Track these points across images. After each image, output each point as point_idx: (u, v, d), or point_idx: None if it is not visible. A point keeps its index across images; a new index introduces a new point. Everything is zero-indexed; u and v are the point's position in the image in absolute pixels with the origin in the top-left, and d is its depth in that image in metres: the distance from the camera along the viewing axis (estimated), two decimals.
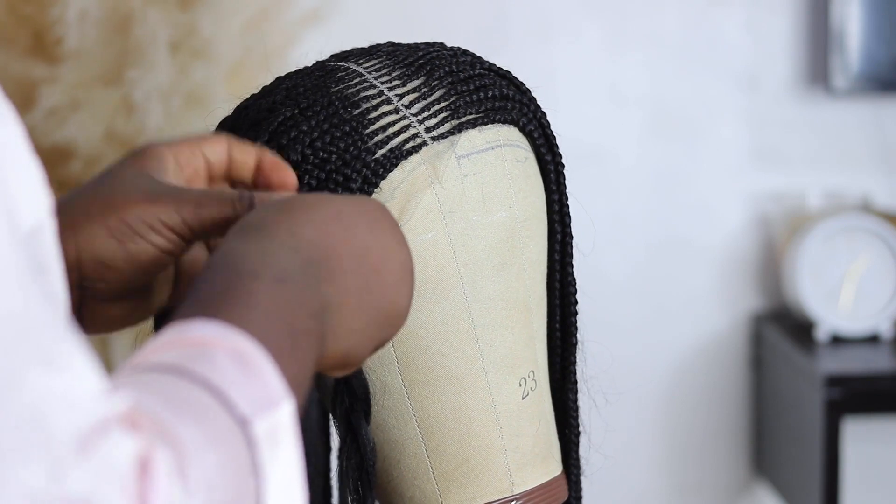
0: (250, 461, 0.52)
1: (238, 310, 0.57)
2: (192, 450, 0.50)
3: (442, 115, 0.81)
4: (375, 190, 0.79)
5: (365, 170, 0.78)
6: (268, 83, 0.84)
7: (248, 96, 0.84)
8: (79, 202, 0.72)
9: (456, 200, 0.80)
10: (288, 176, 0.76)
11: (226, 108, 0.85)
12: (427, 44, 0.86)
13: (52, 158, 1.82)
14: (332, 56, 0.87)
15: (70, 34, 1.77)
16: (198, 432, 0.50)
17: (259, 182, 0.76)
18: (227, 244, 0.63)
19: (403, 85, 0.81)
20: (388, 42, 0.86)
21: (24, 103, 1.82)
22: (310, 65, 0.85)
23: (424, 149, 0.80)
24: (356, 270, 0.66)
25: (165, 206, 0.71)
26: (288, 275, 0.61)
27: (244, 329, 0.56)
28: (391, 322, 0.69)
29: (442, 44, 0.86)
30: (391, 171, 0.79)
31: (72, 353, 0.48)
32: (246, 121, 0.81)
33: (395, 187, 0.79)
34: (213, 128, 0.84)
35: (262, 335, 0.56)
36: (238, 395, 0.53)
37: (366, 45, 0.87)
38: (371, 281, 0.66)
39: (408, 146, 0.79)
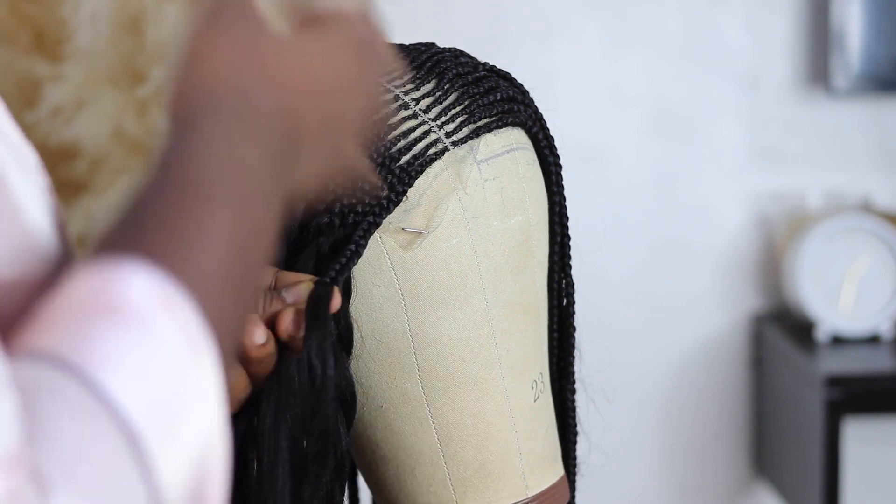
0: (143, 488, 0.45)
1: (182, 252, 0.49)
2: (61, 484, 0.44)
3: (459, 120, 0.80)
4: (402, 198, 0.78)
5: (390, 177, 0.78)
6: None
7: None
8: None
9: (478, 206, 0.80)
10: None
11: None
12: (423, 44, 0.85)
13: (57, 158, 1.82)
14: None
15: (81, 33, 1.77)
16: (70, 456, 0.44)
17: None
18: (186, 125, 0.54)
19: (417, 89, 0.81)
20: None
21: (26, 101, 1.82)
22: None
23: (447, 154, 0.79)
24: (321, 122, 0.59)
25: None
26: (253, 184, 0.53)
27: (180, 278, 0.48)
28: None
29: (433, 44, 0.86)
30: (416, 178, 0.78)
31: None
32: None
33: (420, 194, 0.79)
34: None
35: (202, 291, 0.49)
36: (131, 402, 0.45)
37: None
38: (334, 120, 0.60)
39: (430, 152, 0.79)
